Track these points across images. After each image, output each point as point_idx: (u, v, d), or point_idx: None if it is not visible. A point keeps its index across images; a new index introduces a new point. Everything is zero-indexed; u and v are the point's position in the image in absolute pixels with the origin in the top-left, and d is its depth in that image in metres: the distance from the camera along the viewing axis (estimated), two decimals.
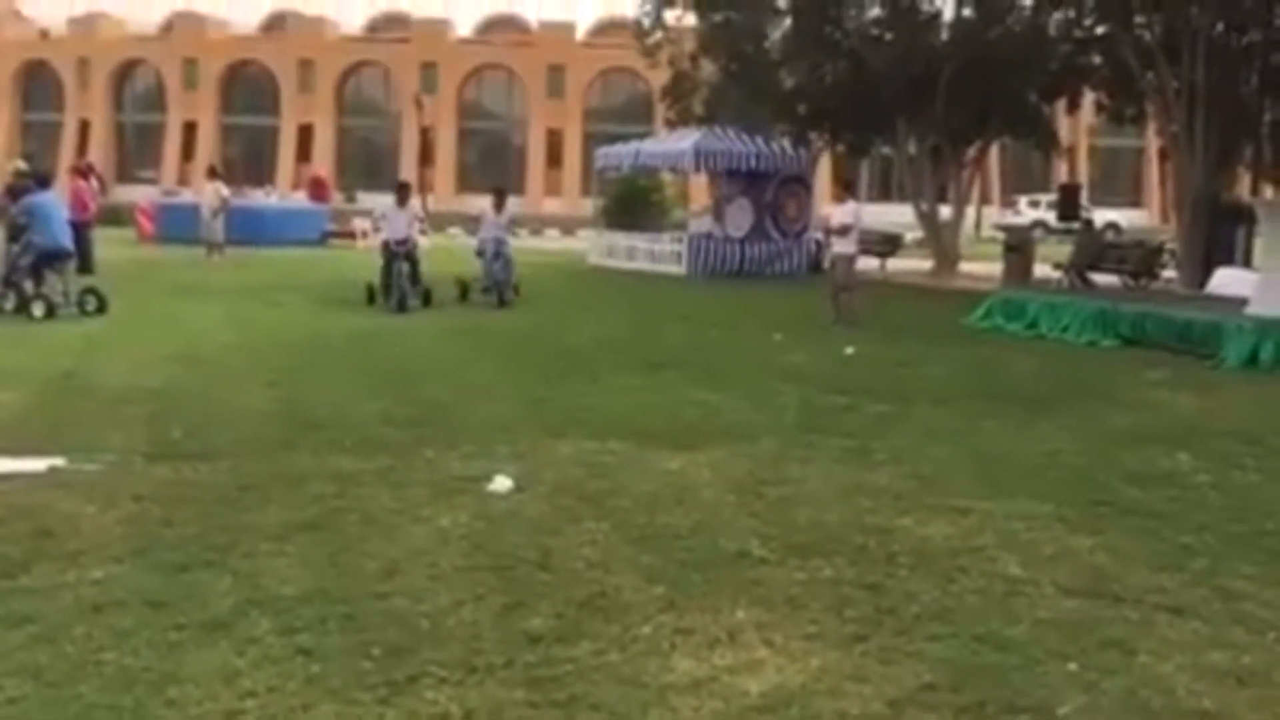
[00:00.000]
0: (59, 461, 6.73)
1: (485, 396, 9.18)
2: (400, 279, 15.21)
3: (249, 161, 57.59)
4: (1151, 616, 4.61)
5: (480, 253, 16.65)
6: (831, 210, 16.18)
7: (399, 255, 15.44)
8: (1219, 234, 18.64)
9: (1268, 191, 16.35)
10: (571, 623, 4.43)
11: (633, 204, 28.32)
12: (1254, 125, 19.39)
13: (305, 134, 60.88)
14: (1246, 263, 17.23)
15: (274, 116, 61.51)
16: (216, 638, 4.22)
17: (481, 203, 17.69)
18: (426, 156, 53.41)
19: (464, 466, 6.76)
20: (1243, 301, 13.35)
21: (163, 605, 4.53)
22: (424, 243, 17.21)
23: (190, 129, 61.61)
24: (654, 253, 23.78)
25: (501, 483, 6.36)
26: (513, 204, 57.02)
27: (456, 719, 3.63)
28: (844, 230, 15.17)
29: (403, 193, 16.51)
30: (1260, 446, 7.89)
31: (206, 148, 59.22)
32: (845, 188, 16.99)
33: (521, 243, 36.45)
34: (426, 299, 15.60)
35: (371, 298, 15.50)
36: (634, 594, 4.74)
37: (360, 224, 30.26)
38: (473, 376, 10.15)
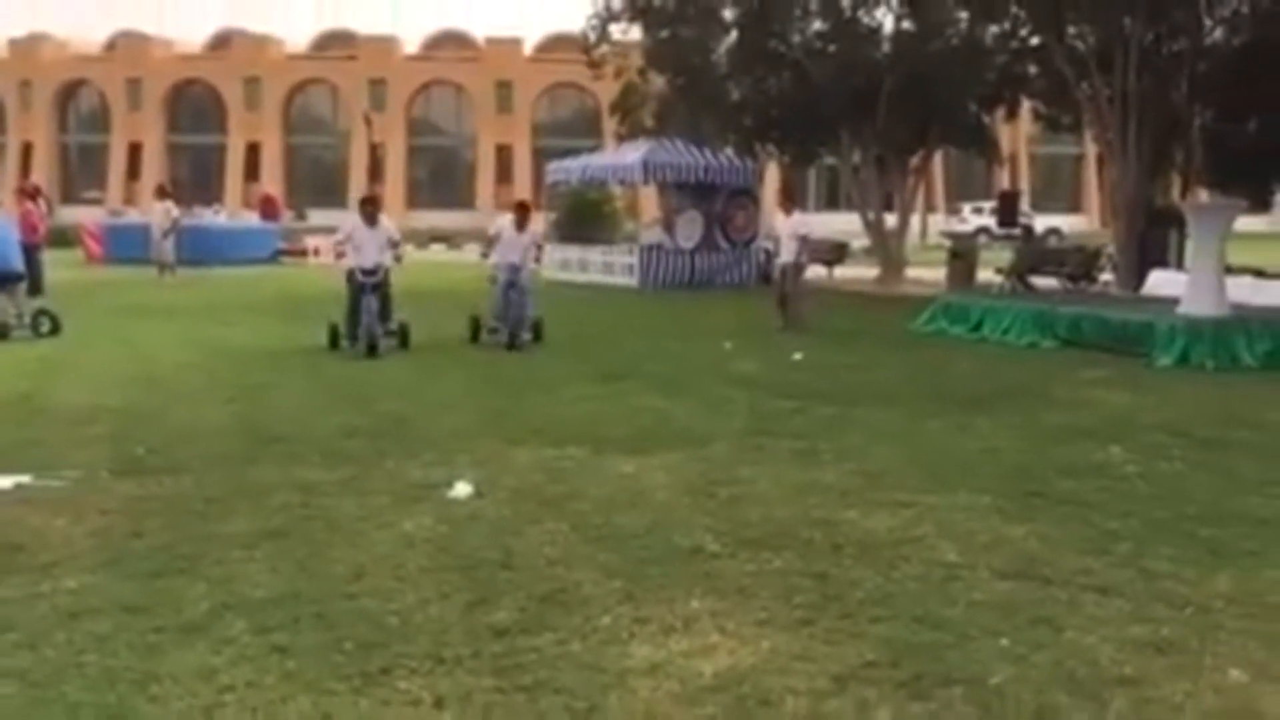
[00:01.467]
0: (24, 479, 6.85)
1: (444, 409, 9.37)
2: (369, 316, 12.33)
3: (196, 180, 57.24)
4: (1078, 596, 4.92)
5: (492, 279, 13.55)
6: (780, 221, 16.46)
7: (367, 288, 12.48)
8: (1153, 237, 19.22)
9: (1201, 195, 16.88)
10: (534, 616, 4.65)
11: (583, 217, 28.56)
12: (1184, 131, 20.00)
13: (253, 152, 60.65)
14: (1180, 265, 17.76)
15: (220, 135, 61.24)
16: (193, 639, 4.40)
17: (500, 220, 14.25)
18: (376, 173, 53.46)
19: (425, 475, 6.96)
20: (1175, 302, 13.82)
21: (139, 610, 4.70)
22: (399, 267, 13.56)
23: (135, 149, 61.17)
24: (607, 265, 24.04)
25: (462, 489, 6.57)
26: (466, 220, 56.37)
27: (427, 705, 3.84)
28: (804, 240, 15.73)
29: (370, 210, 13.14)
30: (1187, 438, 8.27)
31: (152, 167, 58.82)
32: (788, 198, 17.33)
33: (471, 258, 36.66)
34: (403, 339, 12.74)
35: (335, 340, 12.60)
36: (593, 588, 4.97)
37: (314, 241, 30.25)
38: (431, 393, 10.34)
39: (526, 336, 13.08)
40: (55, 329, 13.91)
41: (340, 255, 13.42)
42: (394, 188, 58.69)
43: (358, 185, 55.86)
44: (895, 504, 6.38)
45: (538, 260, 14.68)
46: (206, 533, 5.80)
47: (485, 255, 14.46)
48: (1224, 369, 11.94)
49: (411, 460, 7.33)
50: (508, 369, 11.63)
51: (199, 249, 26.22)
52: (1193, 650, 4.34)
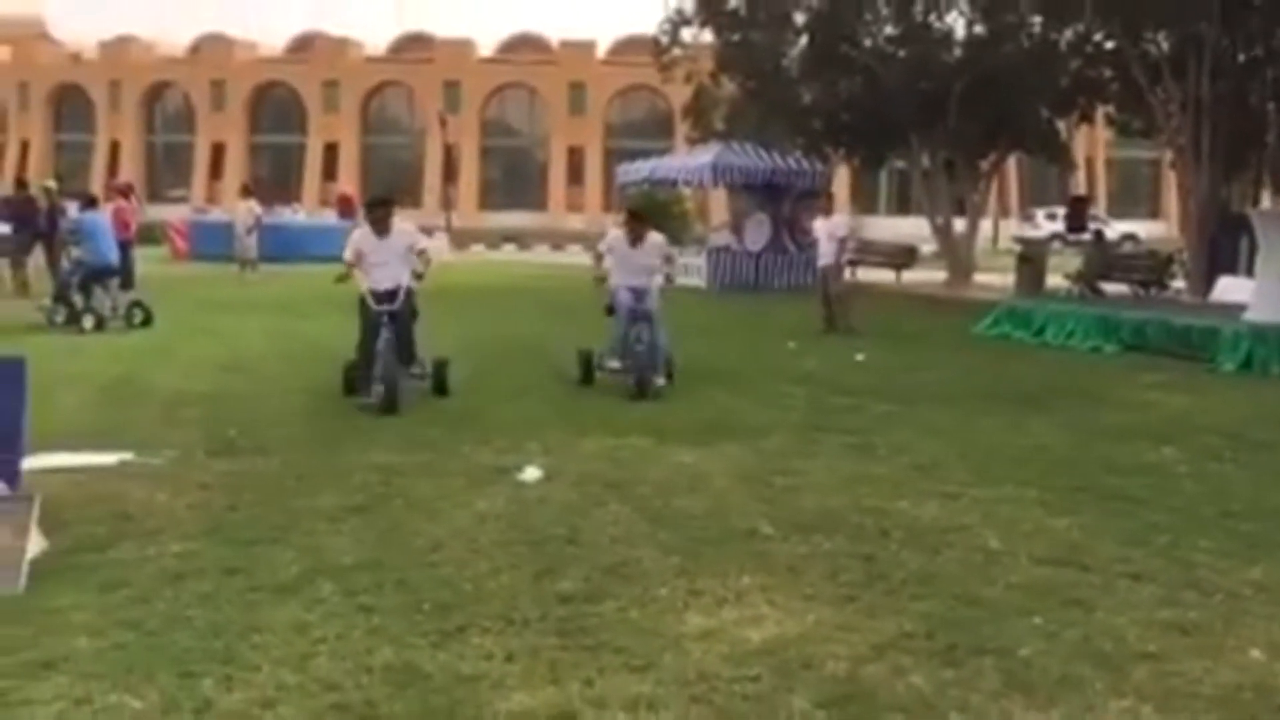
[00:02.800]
0: (127, 456, 7.39)
1: (515, 398, 9.79)
2: (387, 357, 9.15)
3: (276, 180, 58.59)
4: (1113, 582, 5.17)
5: (610, 309, 10.56)
6: (819, 223, 16.57)
7: (382, 319, 9.29)
8: (1224, 244, 19.10)
9: (1265, 201, 16.81)
10: (597, 586, 5.02)
11: (653, 219, 28.92)
12: (1259, 138, 19.84)
13: (331, 152, 61.95)
14: (1250, 271, 17.66)
15: (300, 135, 62.61)
16: (287, 598, 4.83)
17: (610, 234, 11.09)
18: (450, 174, 54.33)
19: (497, 459, 7.37)
20: (1243, 308, 13.83)
21: (237, 572, 5.15)
22: (434, 265, 10.29)
23: (219, 149, 62.78)
24: (679, 266, 24.38)
25: (531, 473, 6.97)
26: (538, 220, 56.97)
27: (499, 659, 4.22)
28: (842, 241, 15.94)
29: (381, 214, 9.67)
30: (1240, 440, 8.42)
31: (235, 166, 60.36)
32: (829, 200, 17.57)
33: (541, 258, 37.26)
34: (440, 384, 9.71)
35: (350, 386, 9.51)
36: (652, 563, 5.33)
37: None
38: (501, 382, 10.76)
39: (660, 381, 10.04)
40: (148, 320, 14.60)
41: (345, 277, 9.54)
42: (468, 188, 59.63)
43: (433, 185, 56.90)
44: (943, 495, 6.65)
45: (669, 279, 11.08)
46: (295, 507, 6.25)
47: (600, 280, 10.78)
48: None
49: (485, 446, 7.74)
50: (569, 361, 11.98)
51: (279, 246, 27.02)
52: (1217, 632, 4.58)
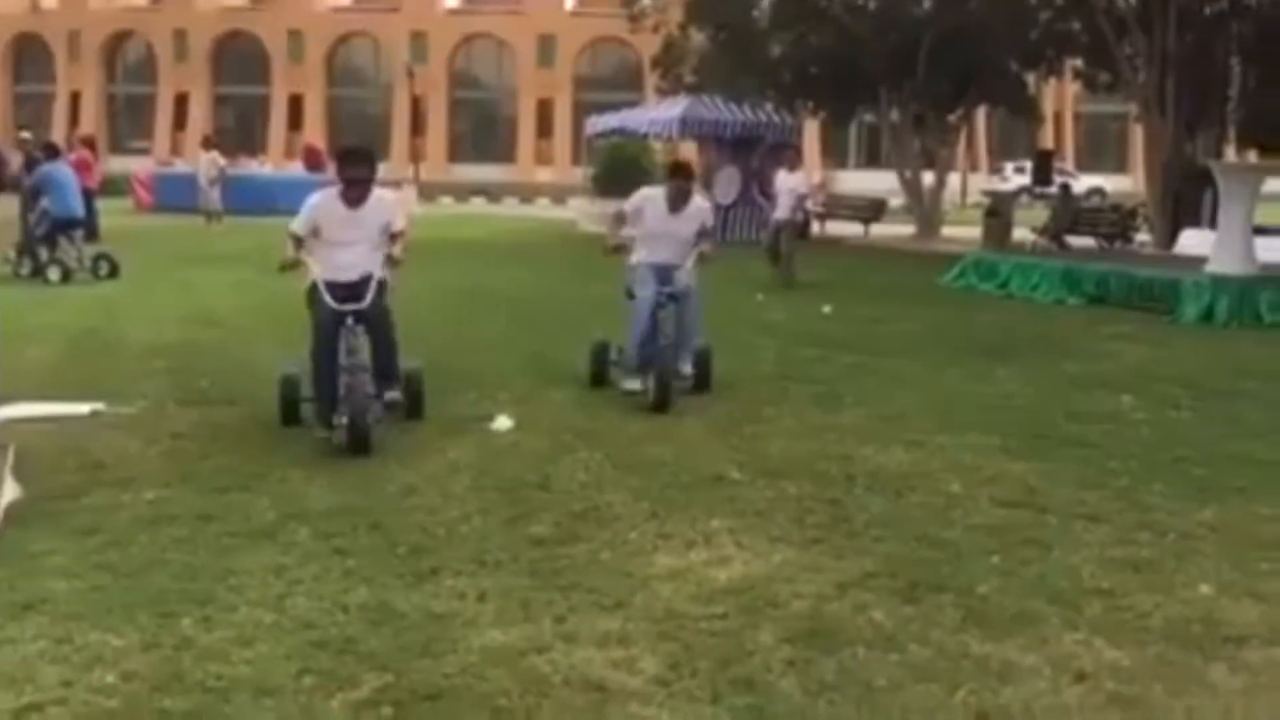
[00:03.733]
0: (99, 406, 7.40)
1: (485, 351, 9.84)
2: (353, 376, 6.48)
3: (240, 132, 57.83)
4: (1069, 523, 5.32)
5: (630, 293, 8.17)
6: (782, 176, 16.47)
7: (345, 321, 6.60)
8: (1188, 197, 19.29)
9: (1229, 154, 17.00)
10: (568, 530, 5.12)
11: (621, 172, 28.87)
12: (1222, 90, 20.00)
13: (296, 104, 61.20)
14: (1212, 224, 17.87)
15: (264, 87, 61.79)
16: (262, 542, 4.90)
17: (641, 194, 8.46)
18: (418, 126, 53.84)
19: (468, 409, 7.44)
20: (1204, 260, 14.02)
21: (212, 518, 5.21)
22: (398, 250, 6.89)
23: (181, 100, 61.86)
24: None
25: (503, 422, 7.04)
26: (506, 174, 56.40)
27: (472, 599, 4.32)
28: (801, 198, 15.99)
29: (358, 176, 6.71)
30: (1197, 389, 8.60)
31: (198, 118, 59.53)
32: (798, 155, 17.59)
33: (511, 211, 37.14)
34: (413, 405, 7.13)
35: (291, 409, 6.90)
36: (622, 508, 5.43)
37: None
38: (474, 332, 10.80)
39: (686, 370, 7.98)
40: (114, 272, 14.51)
41: (293, 265, 6.78)
42: (435, 141, 59.14)
43: (400, 137, 56.38)
44: (908, 442, 6.78)
45: (705, 256, 8.17)
46: (268, 456, 6.30)
47: (617, 249, 8.36)
48: (1247, 326, 12.18)
49: (456, 397, 7.80)
50: (544, 314, 12.01)
51: (245, 198, 26.78)
52: (1168, 570, 4.74)
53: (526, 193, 42.35)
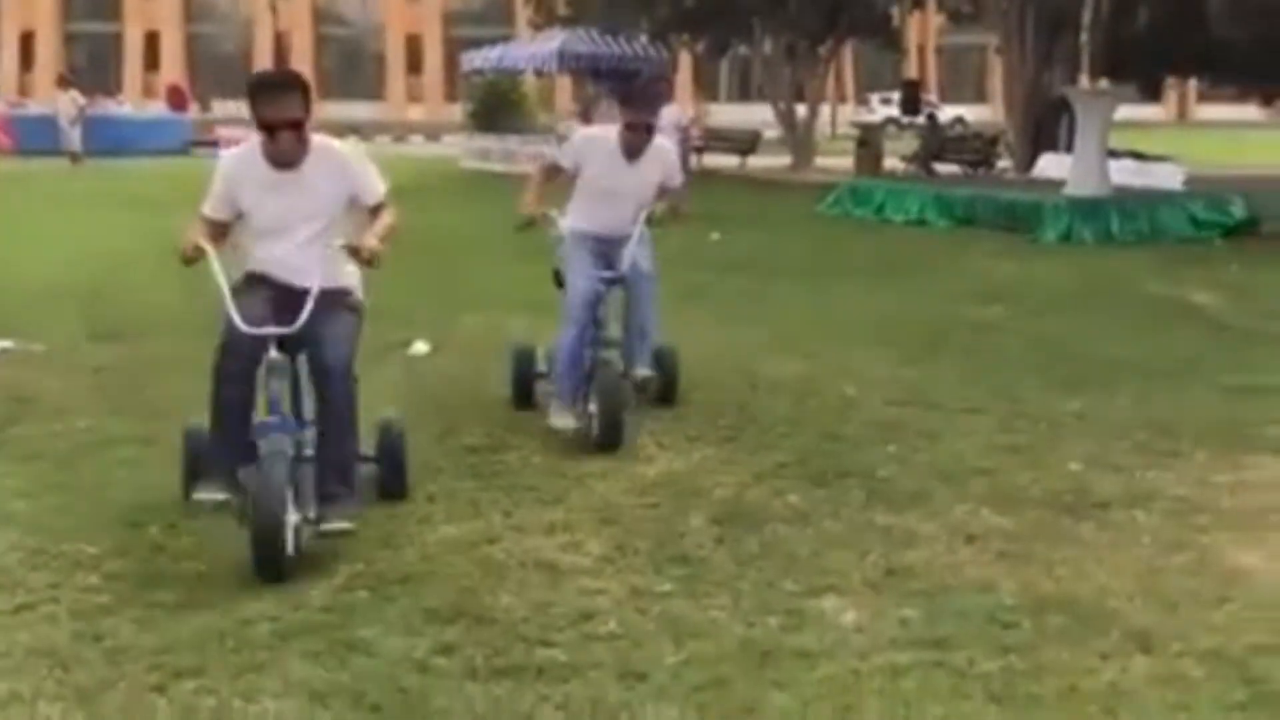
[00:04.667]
0: (7, 344, 7.42)
1: (399, 281, 10.01)
2: (269, 472, 3.90)
3: (94, 71, 55.43)
4: (955, 416, 5.89)
5: (559, 278, 5.82)
6: (665, 110, 16.78)
7: (266, 356, 4.08)
8: (1046, 124, 20.26)
9: (1083, 82, 17.94)
10: (499, 440, 5.48)
11: (497, 108, 28.81)
12: (1076, 20, 20.94)
13: (151, 42, 58.87)
14: (1069, 149, 18.84)
15: (117, 23, 59.28)
16: None
17: (581, 136, 6.30)
18: (282, 64, 52.36)
19: (387, 336, 7.67)
20: (1062, 184, 14.88)
21: (154, 442, 5.39)
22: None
23: (27, 37, 58.93)
24: (530, 154, 24.47)
25: (420, 347, 7.33)
26: (377, 112, 55.33)
27: (421, 500, 4.65)
28: (685, 130, 16.32)
29: (280, 116, 4.08)
30: (1060, 300, 9.37)
31: (47, 57, 56.83)
32: (670, 86, 17.91)
33: (385, 149, 36.71)
34: (393, 476, 4.67)
35: (191, 477, 4.43)
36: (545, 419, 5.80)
37: (227, 132, 30.13)
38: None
39: (644, 373, 5.82)
40: None
41: (193, 257, 4.24)
42: None
43: None
44: (804, 355, 7.30)
45: (664, 216, 5.79)
46: (196, 384, 6.44)
47: (531, 223, 5.82)
48: (1101, 243, 13.05)
49: (374, 323, 7.99)
50: (446, 245, 12.22)
51: (108, 139, 26.04)
52: (1042, 451, 5.34)
53: (399, 130, 41.73)
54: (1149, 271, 11.00)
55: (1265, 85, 21.37)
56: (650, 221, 5.76)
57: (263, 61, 54.25)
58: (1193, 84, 48.79)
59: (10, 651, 3.40)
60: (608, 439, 5.26)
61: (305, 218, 4.26)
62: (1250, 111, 27.48)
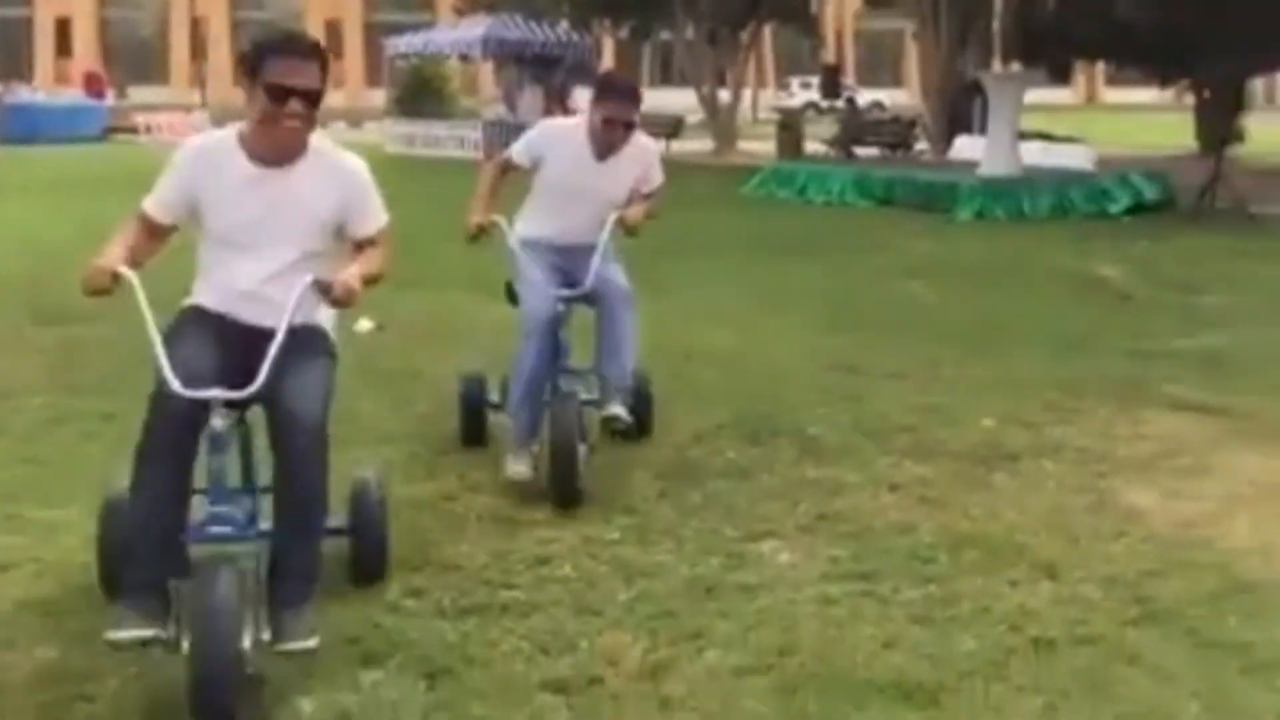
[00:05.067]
0: None
1: None
2: (208, 588, 2.88)
3: (4, 57, 54.11)
4: (878, 381, 6.28)
5: (512, 294, 5.00)
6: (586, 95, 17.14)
7: (208, 420, 3.07)
8: (961, 107, 20.89)
9: (995, 66, 18.58)
10: (448, 407, 5.71)
11: (421, 93, 28.85)
12: (989, 5, 21.61)
13: (63, 27, 57.53)
14: (983, 131, 19.46)
15: (25, 8, 57.82)
16: None
17: (543, 131, 5.08)
18: (199, 49, 51.63)
19: None
20: (976, 165, 15.44)
21: (113, 417, 5.54)
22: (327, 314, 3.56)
23: None
24: (455, 139, 24.61)
25: (364, 324, 7.54)
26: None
27: (378, 463, 4.90)
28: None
29: (297, 85, 3.28)
30: (976, 276, 9.84)
31: None
32: (594, 71, 18.31)
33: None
34: (372, 551, 3.76)
35: (110, 576, 3.46)
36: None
37: (144, 118, 29.81)
38: None
39: (615, 412, 4.73)
40: None
41: (102, 288, 3.28)
42: (221, 64, 56.74)
43: (179, 63, 53.97)
44: (731, 326, 7.66)
45: (634, 220, 4.96)
46: (144, 367, 6.62)
47: (480, 230, 4.88)
48: (1013, 220, 13.61)
49: None
50: None
51: (23, 127, 25.67)
52: (958, 410, 5.74)
53: (321, 117, 41.31)
54: (1058, 247, 11.55)
55: (1166, 69, 22.19)
56: (624, 229, 4.92)
57: (179, 48, 53.49)
58: (1100, 68, 50.28)
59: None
60: (560, 495, 4.37)
61: (284, 233, 3.30)
62: (1154, 94, 28.51)
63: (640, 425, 5.07)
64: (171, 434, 3.12)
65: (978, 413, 5.68)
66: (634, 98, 4.85)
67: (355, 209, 3.46)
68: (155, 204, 3.45)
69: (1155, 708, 3.06)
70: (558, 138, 4.95)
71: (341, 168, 3.45)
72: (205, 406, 3.07)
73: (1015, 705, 3.08)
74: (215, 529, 3.15)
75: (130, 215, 3.50)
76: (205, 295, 3.44)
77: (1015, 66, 23.67)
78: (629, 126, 4.81)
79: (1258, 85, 38.48)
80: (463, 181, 15.52)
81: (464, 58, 27.74)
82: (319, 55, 3.35)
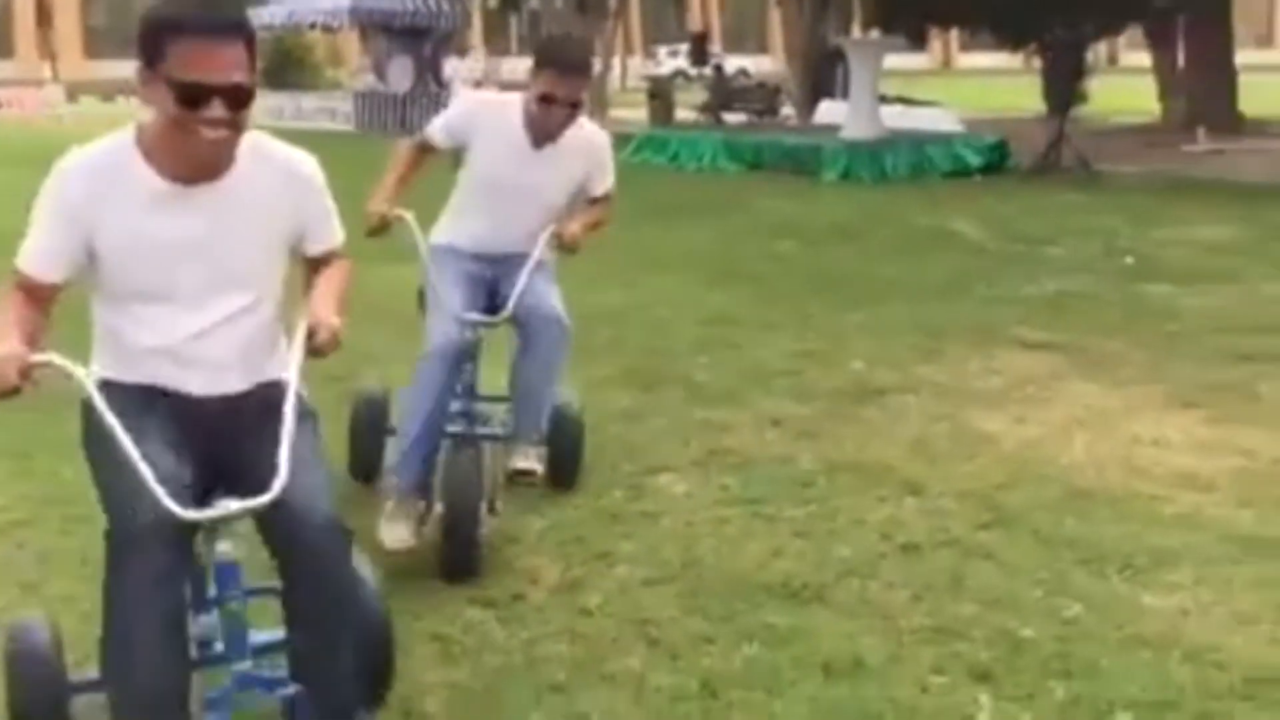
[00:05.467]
0: None
1: None
2: None
3: None
4: (756, 332, 6.76)
5: (421, 303, 4.14)
6: (457, 64, 17.25)
7: (196, 540, 2.32)
8: (824, 73, 21.57)
9: (855, 32, 19.25)
10: (355, 369, 6.01)
11: (285, 64, 28.44)
12: None
13: None
14: (845, 95, 20.18)
15: None
16: None
17: (465, 110, 4.13)
18: (44, 18, 49.66)
19: None
20: (839, 128, 16.08)
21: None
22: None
23: None
24: (326, 111, 24.40)
25: None
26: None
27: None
28: (478, 84, 16.83)
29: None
30: (841, 234, 10.41)
31: None
32: (463, 41, 18.41)
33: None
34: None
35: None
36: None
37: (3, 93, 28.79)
38: None
39: (526, 466, 3.91)
40: None
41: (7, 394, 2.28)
42: (69, 36, 54.63)
43: (25, 34, 51.74)
44: (621, 285, 8.05)
45: (573, 234, 4.10)
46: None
47: (384, 223, 4.02)
48: (876, 181, 14.29)
49: None
50: None
51: None
52: (831, 355, 6.25)
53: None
54: (917, 205, 12.23)
55: (1016, 34, 23.22)
56: (560, 244, 4.06)
57: (24, 14, 51.23)
58: (954, 34, 51.95)
59: None
60: (453, 565, 3.63)
61: (221, 274, 2.46)
62: (1005, 59, 29.72)
63: (558, 473, 4.25)
64: (155, 564, 2.22)
65: (848, 356, 6.19)
66: (582, 70, 3.85)
67: (312, 220, 2.62)
68: (35, 259, 2.41)
69: (1005, 595, 3.56)
70: (485, 117, 3.98)
71: (291, 168, 2.57)
72: (194, 530, 2.26)
73: (887, 598, 3.55)
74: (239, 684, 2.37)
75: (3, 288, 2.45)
76: (123, 367, 2.48)
77: (875, 33, 24.54)
78: (574, 107, 3.79)
79: (1101, 49, 40.29)
80: (339, 155, 15.71)
81: (327, 28, 27.36)
82: (243, 32, 2.36)
